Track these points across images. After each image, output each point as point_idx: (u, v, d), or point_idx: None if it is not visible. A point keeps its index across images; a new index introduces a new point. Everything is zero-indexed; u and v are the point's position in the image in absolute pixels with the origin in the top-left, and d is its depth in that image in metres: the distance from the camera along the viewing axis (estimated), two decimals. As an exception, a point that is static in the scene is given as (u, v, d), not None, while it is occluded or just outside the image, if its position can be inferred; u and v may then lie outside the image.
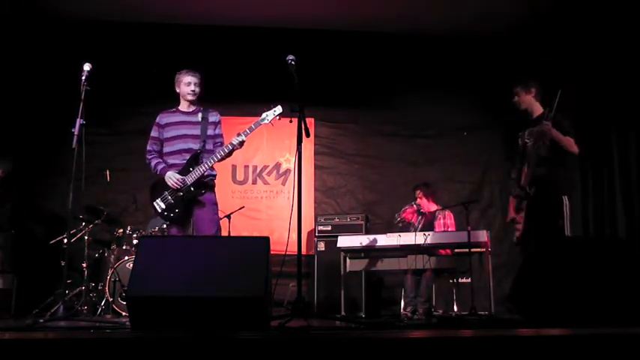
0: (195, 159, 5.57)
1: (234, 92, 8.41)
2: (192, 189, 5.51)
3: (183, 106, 5.83)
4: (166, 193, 5.53)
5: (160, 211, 5.55)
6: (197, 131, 5.69)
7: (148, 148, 5.80)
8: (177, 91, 5.83)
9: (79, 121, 5.15)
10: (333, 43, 9.20)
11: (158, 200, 5.55)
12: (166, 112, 5.85)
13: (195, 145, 5.63)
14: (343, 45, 9.25)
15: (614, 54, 8.00)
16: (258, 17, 8.90)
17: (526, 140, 5.84)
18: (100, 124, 8.64)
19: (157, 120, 5.81)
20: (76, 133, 5.11)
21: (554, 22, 8.48)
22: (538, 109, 5.91)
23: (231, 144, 5.56)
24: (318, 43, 8.94)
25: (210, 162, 5.55)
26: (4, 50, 8.54)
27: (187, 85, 5.76)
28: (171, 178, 5.48)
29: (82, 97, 5.23)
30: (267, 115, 5.59)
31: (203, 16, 8.87)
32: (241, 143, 5.58)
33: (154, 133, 5.80)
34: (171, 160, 5.63)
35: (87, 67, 5.33)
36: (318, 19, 8.91)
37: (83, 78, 5.29)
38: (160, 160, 5.68)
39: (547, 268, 4.73)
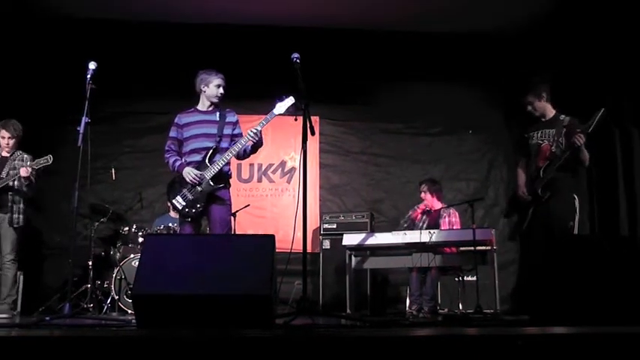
0: (212, 155, 5.57)
1: (239, 90, 8.38)
2: (211, 183, 5.50)
3: (202, 105, 5.80)
4: (184, 190, 5.50)
5: (180, 208, 5.49)
6: (214, 130, 5.67)
7: (166, 147, 5.76)
8: (203, 89, 5.75)
9: (84, 120, 5.17)
10: (338, 41, 9.19)
11: (178, 197, 5.50)
12: (184, 112, 5.81)
13: (211, 143, 5.62)
14: (348, 43, 9.24)
15: (618, 53, 8.00)
16: (262, 15, 8.89)
17: (539, 141, 5.80)
18: (105, 123, 8.66)
19: (176, 120, 5.77)
20: (81, 131, 5.13)
21: (560, 21, 8.46)
22: (550, 111, 5.86)
23: (248, 136, 5.53)
24: (323, 41, 8.94)
25: (228, 155, 5.55)
26: (9, 49, 8.55)
27: (217, 87, 5.73)
28: (190, 173, 5.45)
29: (88, 95, 5.26)
30: (280, 107, 5.57)
31: (207, 14, 8.87)
32: (257, 134, 5.53)
33: (172, 134, 5.76)
34: (189, 159, 5.61)
35: (92, 65, 5.37)
36: (323, 17, 8.90)
37: (88, 77, 5.32)
38: (178, 158, 5.66)
39: (557, 269, 4.75)
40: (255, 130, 5.53)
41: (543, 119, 5.88)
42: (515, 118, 9.30)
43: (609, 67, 8.19)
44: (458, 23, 8.92)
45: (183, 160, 5.62)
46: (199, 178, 5.45)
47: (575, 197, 5.58)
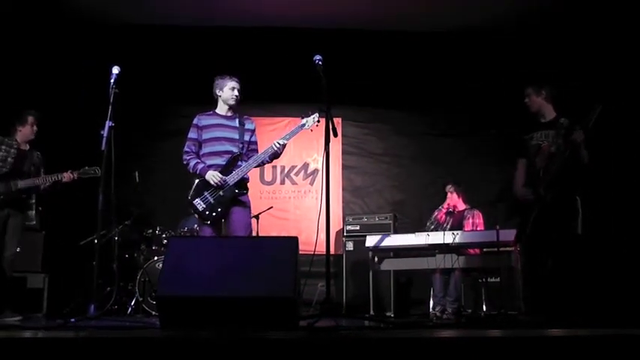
0: (235, 161, 5.60)
1: (261, 93, 8.44)
2: (234, 189, 5.53)
3: (222, 109, 5.85)
4: (206, 193, 5.50)
5: (200, 210, 5.49)
6: (236, 135, 5.73)
7: (186, 149, 5.74)
8: (219, 94, 5.84)
9: (107, 124, 5.21)
10: (360, 42, 9.18)
11: (198, 200, 5.50)
12: (204, 114, 5.83)
13: (234, 148, 5.66)
14: (370, 44, 9.23)
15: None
16: (284, 18, 8.91)
17: (538, 142, 5.78)
18: (128, 127, 8.70)
19: (195, 122, 5.78)
20: (105, 135, 5.17)
21: (580, 18, 8.41)
22: (550, 112, 5.85)
23: (273, 147, 5.64)
24: (345, 43, 8.92)
25: (253, 163, 5.63)
26: (35, 54, 8.64)
27: (232, 90, 5.82)
28: (214, 176, 5.47)
29: (111, 99, 5.29)
30: (307, 121, 5.72)
31: (230, 17, 8.90)
32: (283, 146, 5.69)
33: (192, 135, 5.75)
34: (210, 161, 5.61)
35: (115, 70, 5.40)
36: (344, 19, 8.89)
37: (112, 81, 5.35)
38: (199, 160, 5.64)
39: (564, 270, 4.77)
40: (282, 142, 5.66)
41: (543, 120, 5.87)
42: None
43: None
44: (481, 22, 8.86)
45: (203, 164, 5.62)
46: (223, 181, 5.48)
47: (577, 198, 5.56)
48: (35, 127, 6.86)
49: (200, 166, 5.60)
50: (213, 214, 5.49)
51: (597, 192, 7.73)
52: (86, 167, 6.64)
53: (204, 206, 5.49)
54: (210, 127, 5.73)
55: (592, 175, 5.80)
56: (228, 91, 5.81)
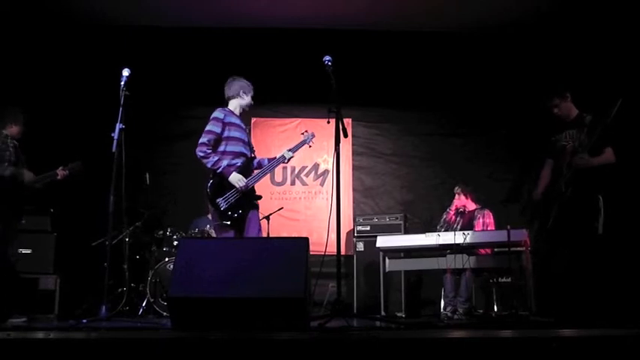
0: (249, 164, 5.64)
1: (271, 94, 8.43)
2: (251, 193, 5.64)
3: (236, 110, 5.87)
4: (227, 193, 5.51)
5: (222, 209, 5.49)
6: (246, 138, 5.79)
7: (205, 141, 5.56)
8: (242, 96, 5.88)
9: (118, 126, 5.22)
10: (369, 43, 9.18)
11: (220, 199, 5.50)
12: (226, 110, 5.80)
13: (246, 151, 5.73)
14: (379, 45, 9.22)
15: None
16: (293, 19, 8.91)
17: (564, 143, 5.77)
18: (139, 128, 8.72)
19: (220, 116, 5.69)
20: (115, 137, 5.18)
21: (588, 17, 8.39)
22: (574, 111, 5.86)
23: (284, 156, 5.99)
24: (354, 44, 8.93)
25: (268, 170, 5.85)
26: (46, 56, 8.67)
27: (251, 98, 5.93)
28: (240, 181, 5.51)
29: (122, 102, 5.30)
30: (307, 138, 6.28)
31: (239, 18, 8.90)
32: (289, 159, 6.07)
33: (215, 128, 5.62)
34: (228, 161, 5.58)
35: (126, 72, 5.41)
36: (353, 20, 8.89)
37: (122, 83, 5.36)
38: (220, 158, 5.56)
39: (582, 270, 4.75)
40: (290, 155, 6.03)
41: (568, 120, 5.86)
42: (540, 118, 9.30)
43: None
44: (489, 22, 8.85)
45: (223, 162, 5.59)
46: (246, 187, 5.54)
47: (600, 198, 5.53)
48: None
49: (222, 163, 5.53)
50: (235, 215, 5.51)
51: (624, 191, 7.73)
52: (70, 163, 6.51)
53: (225, 206, 5.49)
54: (234, 125, 5.72)
55: (618, 174, 5.75)
56: (249, 98, 5.89)
